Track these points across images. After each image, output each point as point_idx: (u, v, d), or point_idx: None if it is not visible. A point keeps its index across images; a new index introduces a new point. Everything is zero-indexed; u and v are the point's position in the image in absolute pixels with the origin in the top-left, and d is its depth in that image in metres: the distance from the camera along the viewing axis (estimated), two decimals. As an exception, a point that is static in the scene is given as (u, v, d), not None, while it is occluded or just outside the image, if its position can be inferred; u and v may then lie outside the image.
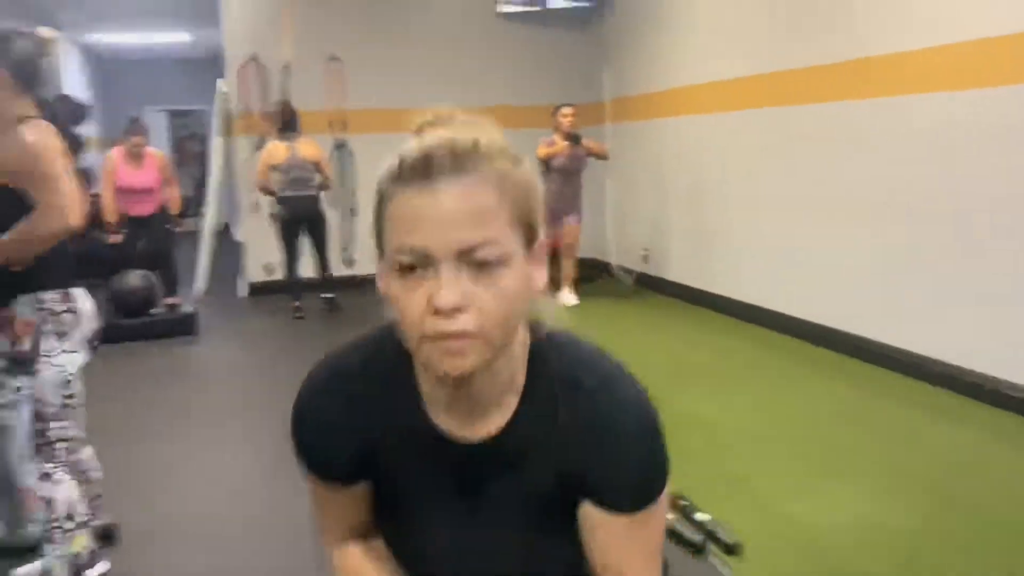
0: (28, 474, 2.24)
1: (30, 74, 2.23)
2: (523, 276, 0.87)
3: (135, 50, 12.79)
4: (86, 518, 2.29)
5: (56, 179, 2.14)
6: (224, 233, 9.45)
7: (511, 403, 0.95)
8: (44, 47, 2.30)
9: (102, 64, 13.24)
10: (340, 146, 7.44)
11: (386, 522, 1.05)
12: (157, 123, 14.53)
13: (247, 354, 5.81)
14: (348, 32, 7.46)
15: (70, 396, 2.24)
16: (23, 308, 2.19)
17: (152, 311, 6.09)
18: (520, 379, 0.96)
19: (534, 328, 0.97)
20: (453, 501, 0.99)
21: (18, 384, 2.19)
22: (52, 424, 2.22)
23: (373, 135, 7.50)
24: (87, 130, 11.10)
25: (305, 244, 6.43)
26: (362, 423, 0.98)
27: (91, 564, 2.54)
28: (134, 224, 6.15)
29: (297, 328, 6.19)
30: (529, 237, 0.88)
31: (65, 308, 2.21)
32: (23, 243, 2.12)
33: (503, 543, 1.00)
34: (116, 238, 6.13)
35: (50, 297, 2.20)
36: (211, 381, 5.16)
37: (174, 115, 14.60)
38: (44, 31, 2.33)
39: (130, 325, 5.90)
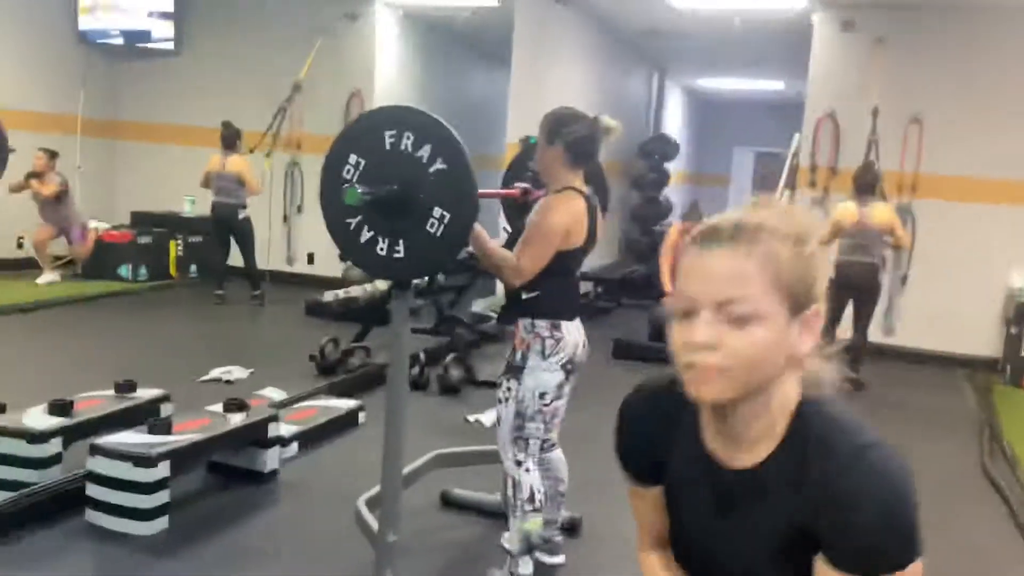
0: (505, 458, 2.77)
1: (582, 152, 2.69)
2: (778, 336, 1.03)
3: (732, 94, 13.69)
4: (541, 505, 2.73)
5: (531, 243, 2.59)
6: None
7: (767, 448, 1.08)
8: (599, 131, 2.72)
9: (701, 105, 14.44)
10: (903, 211, 7.13)
11: (670, 523, 1.24)
12: (745, 162, 15.41)
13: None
14: (933, 93, 7.09)
15: (545, 404, 2.69)
16: (522, 328, 2.70)
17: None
18: (780, 429, 1.08)
19: (807, 389, 1.09)
20: (712, 515, 1.15)
21: (508, 385, 2.72)
22: (528, 424, 2.70)
23: (942, 202, 7.09)
24: (676, 165, 12.27)
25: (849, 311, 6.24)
26: (660, 435, 1.19)
27: (550, 551, 3.02)
28: None
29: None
30: (794, 306, 1.03)
31: (551, 335, 2.67)
32: (488, 260, 2.60)
33: (746, 565, 1.12)
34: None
35: (542, 324, 2.67)
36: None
37: (760, 156, 15.30)
38: (605, 119, 2.74)
39: (655, 347, 6.51)
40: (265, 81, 8.13)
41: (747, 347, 1.01)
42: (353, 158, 2.28)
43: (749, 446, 1.09)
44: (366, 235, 2.29)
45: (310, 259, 8.39)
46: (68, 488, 3.13)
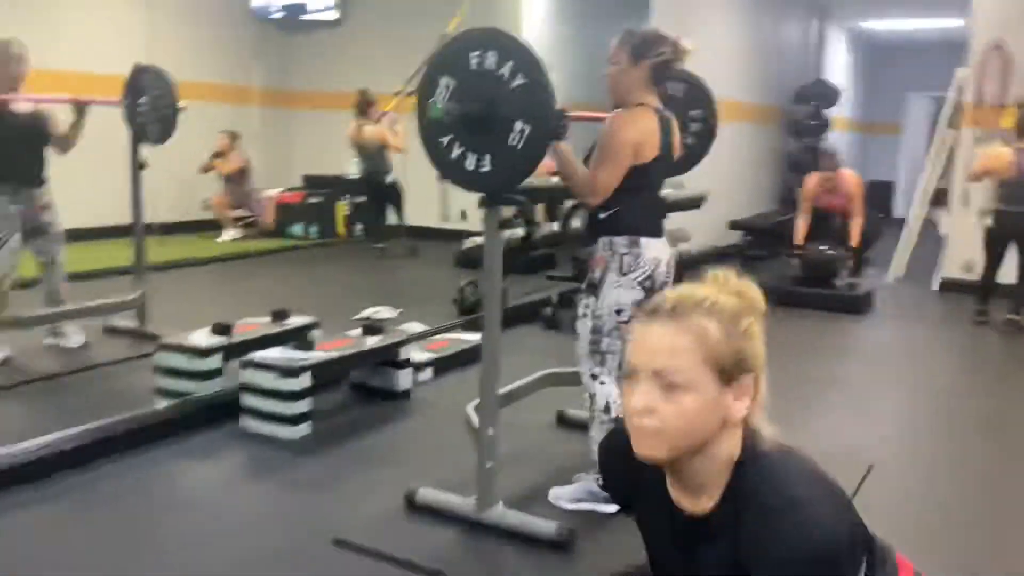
0: (583, 372, 2.89)
1: (661, 72, 2.77)
2: (709, 403, 1.16)
3: (904, 35, 12.89)
4: (618, 415, 2.82)
5: (602, 160, 2.65)
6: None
7: (712, 499, 1.22)
8: (679, 54, 2.78)
9: (868, 49, 13.68)
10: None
11: (645, 546, 1.40)
12: (920, 109, 14.48)
13: (904, 343, 5.81)
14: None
15: (623, 321, 2.75)
16: (600, 246, 2.78)
17: (834, 285, 6.49)
18: (722, 481, 1.20)
19: (749, 442, 1.20)
20: (673, 551, 1.30)
21: (586, 302, 2.82)
22: (604, 339, 2.79)
23: None
24: (840, 112, 11.70)
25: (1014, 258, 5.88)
26: (631, 476, 1.34)
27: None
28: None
29: (965, 338, 5.87)
30: (724, 377, 1.17)
31: (629, 251, 2.72)
32: (566, 176, 2.69)
33: None
34: (795, 261, 6.73)
35: (620, 241, 2.73)
36: (860, 358, 5.37)
37: (938, 101, 14.32)
38: (684, 42, 2.78)
39: (808, 294, 6.38)
40: (420, 44, 8.46)
41: (677, 414, 1.15)
42: (443, 80, 2.48)
43: (698, 497, 1.23)
44: (456, 151, 2.49)
45: (463, 215, 8.74)
46: (226, 398, 3.56)
